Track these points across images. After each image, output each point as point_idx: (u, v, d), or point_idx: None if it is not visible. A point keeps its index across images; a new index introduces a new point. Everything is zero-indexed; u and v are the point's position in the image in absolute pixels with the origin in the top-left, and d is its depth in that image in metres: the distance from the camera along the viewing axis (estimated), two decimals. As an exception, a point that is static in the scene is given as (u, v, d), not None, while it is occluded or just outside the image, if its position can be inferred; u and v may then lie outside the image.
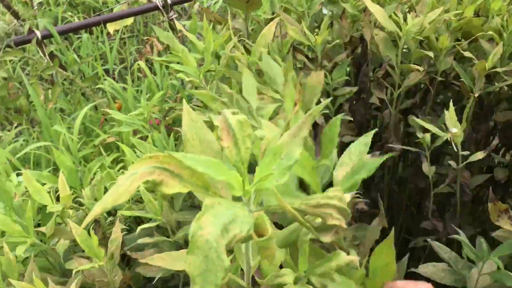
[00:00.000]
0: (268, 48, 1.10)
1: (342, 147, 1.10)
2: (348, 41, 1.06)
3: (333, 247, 0.54)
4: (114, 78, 2.03)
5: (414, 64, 0.90)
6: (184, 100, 0.50)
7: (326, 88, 1.01)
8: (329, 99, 0.73)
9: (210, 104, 0.80)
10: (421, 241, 1.09)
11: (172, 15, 1.71)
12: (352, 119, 1.01)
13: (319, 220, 0.45)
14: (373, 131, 0.58)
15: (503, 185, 1.05)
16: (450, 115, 0.81)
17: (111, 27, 2.01)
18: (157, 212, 0.77)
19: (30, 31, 1.47)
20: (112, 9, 2.12)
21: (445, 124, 0.99)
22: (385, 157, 0.53)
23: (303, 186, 0.55)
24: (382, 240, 0.57)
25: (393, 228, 0.55)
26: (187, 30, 1.44)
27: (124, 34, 2.32)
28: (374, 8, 0.91)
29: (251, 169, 0.42)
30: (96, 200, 0.93)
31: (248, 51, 1.04)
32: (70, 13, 2.36)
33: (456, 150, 0.82)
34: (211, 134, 0.48)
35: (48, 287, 0.74)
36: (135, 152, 1.08)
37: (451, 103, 0.83)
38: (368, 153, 1.03)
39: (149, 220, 0.85)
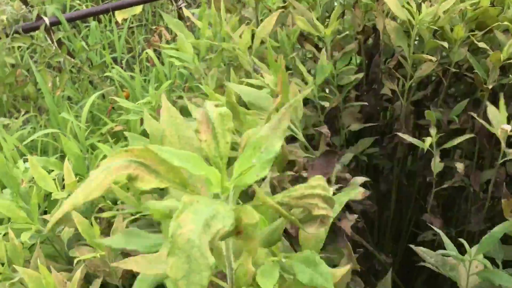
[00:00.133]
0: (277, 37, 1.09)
1: (349, 136, 1.09)
2: (361, 31, 1.04)
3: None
4: (122, 67, 2.02)
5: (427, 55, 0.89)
6: (163, 95, 0.48)
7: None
8: (309, 89, 0.71)
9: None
10: (430, 235, 1.08)
11: (181, 4, 1.70)
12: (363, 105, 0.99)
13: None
14: (353, 192, 0.55)
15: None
16: (500, 110, 0.79)
17: (119, 16, 2.00)
18: (135, 205, 0.76)
19: (38, 17, 1.46)
20: (120, -2, 2.10)
21: (457, 116, 0.98)
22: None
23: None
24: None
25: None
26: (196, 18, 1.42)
27: (132, 23, 2.31)
28: (387, -3, 0.89)
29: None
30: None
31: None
32: (78, 1, 2.35)
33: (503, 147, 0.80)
34: (191, 131, 0.46)
35: (52, 275, 0.74)
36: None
37: (502, 99, 0.79)
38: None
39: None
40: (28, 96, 1.61)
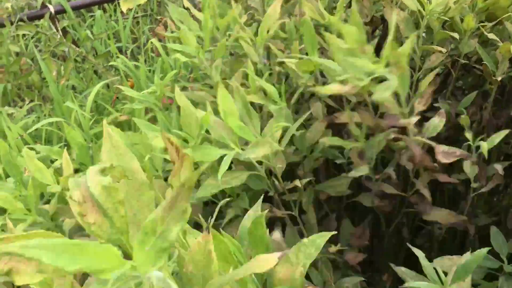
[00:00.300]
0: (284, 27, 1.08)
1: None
2: (369, 21, 1.03)
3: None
4: (126, 57, 2.02)
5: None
6: (104, 121, 0.43)
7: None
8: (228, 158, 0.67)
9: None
10: (436, 229, 1.07)
11: (187, -7, 1.68)
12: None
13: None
14: (329, 234, 0.54)
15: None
16: None
17: (124, 6, 1.99)
18: None
19: (43, 5, 1.45)
20: (126, -13, 2.09)
21: (466, 108, 0.96)
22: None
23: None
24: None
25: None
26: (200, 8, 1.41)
27: (137, 13, 2.30)
28: (396, -14, 0.88)
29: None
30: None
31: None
32: (83, -10, 2.34)
33: None
34: (136, 162, 0.41)
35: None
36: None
37: None
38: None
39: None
40: (33, 85, 1.60)
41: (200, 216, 0.52)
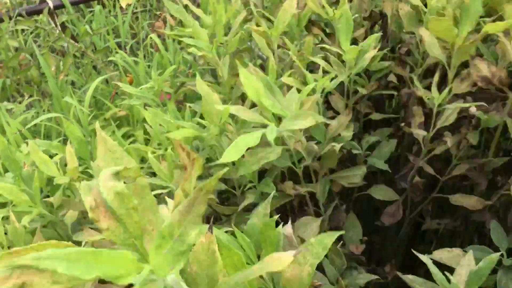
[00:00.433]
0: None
1: (365, 123, 1.07)
2: (368, 16, 1.03)
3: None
4: (126, 53, 2.01)
5: (436, 40, 0.87)
6: (97, 124, 0.42)
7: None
8: (224, 170, 0.65)
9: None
10: (434, 224, 1.07)
11: (186, -11, 1.68)
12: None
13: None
14: (337, 233, 0.54)
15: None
16: None
17: (124, 1, 1.98)
18: (167, 179, 0.76)
19: (42, 0, 1.45)
20: (125, -18, 2.08)
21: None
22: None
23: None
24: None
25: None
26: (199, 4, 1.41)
27: (136, 8, 2.29)
28: (396, -19, 0.88)
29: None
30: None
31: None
32: (82, -14, 2.33)
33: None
34: (135, 164, 0.41)
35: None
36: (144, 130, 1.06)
37: None
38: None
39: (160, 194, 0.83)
40: (32, 80, 1.60)
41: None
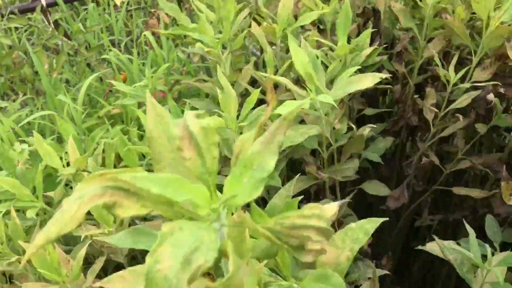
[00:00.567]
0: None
1: (358, 120, 1.07)
2: (361, 13, 1.03)
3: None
4: (120, 51, 2.00)
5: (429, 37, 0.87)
6: (147, 92, 0.44)
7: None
8: (308, 99, 0.69)
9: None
10: (428, 220, 1.08)
11: (180, -14, 1.67)
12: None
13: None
14: (380, 220, 0.54)
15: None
16: None
17: (118, -2, 1.97)
18: None
19: (35, -2, 1.44)
20: (119, -20, 2.07)
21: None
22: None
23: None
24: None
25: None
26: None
27: (131, 6, 2.28)
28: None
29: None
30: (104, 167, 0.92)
31: (258, 24, 1.01)
32: (76, -17, 2.32)
33: None
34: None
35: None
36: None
37: None
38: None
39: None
40: (25, 78, 1.59)
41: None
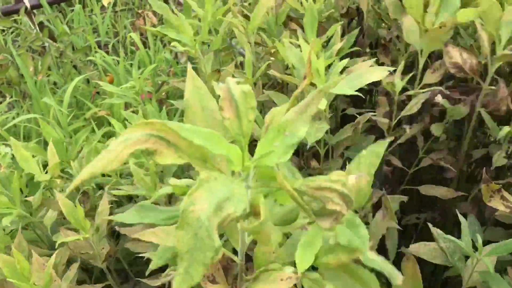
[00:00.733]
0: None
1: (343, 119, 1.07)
2: (345, 13, 1.03)
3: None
4: (107, 52, 1.99)
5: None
6: (189, 64, 0.48)
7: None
8: (345, 61, 0.71)
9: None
10: (414, 218, 1.08)
11: (167, -13, 1.67)
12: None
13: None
14: (387, 141, 0.55)
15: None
16: None
17: (105, -1, 1.96)
18: (150, 189, 0.75)
19: (18, 0, 1.43)
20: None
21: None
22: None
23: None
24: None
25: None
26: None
27: (118, 7, 2.27)
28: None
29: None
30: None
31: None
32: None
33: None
34: (215, 103, 0.45)
35: (33, 259, 0.73)
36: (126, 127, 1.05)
37: None
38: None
39: (138, 196, 0.83)
40: (11, 80, 1.58)
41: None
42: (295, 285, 0.47)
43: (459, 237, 0.80)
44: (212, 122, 0.45)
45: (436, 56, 1.00)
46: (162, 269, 0.91)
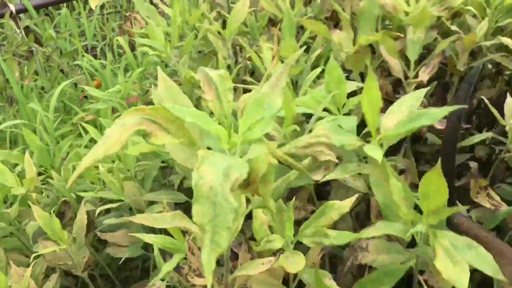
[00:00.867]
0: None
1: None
2: (330, 16, 1.02)
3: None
4: (96, 55, 1.98)
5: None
6: (159, 68, 0.50)
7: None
8: (302, 49, 0.71)
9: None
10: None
11: (154, -11, 1.66)
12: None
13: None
14: (425, 89, 0.60)
15: (484, 164, 1.03)
16: None
17: (93, 2, 1.95)
18: (118, 192, 0.74)
19: (4, 4, 1.42)
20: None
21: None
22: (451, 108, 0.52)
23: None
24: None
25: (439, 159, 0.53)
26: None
27: (106, 10, 2.26)
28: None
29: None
30: (66, 181, 0.91)
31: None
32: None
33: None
34: (188, 100, 0.48)
35: (12, 270, 0.72)
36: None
37: None
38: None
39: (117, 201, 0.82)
40: (-3, 86, 1.57)
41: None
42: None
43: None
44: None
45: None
46: (147, 272, 0.91)
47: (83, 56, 1.64)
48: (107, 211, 1.03)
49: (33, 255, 0.72)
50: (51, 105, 1.33)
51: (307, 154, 0.44)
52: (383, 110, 0.59)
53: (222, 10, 1.24)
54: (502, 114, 0.81)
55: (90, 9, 2.20)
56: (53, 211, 0.74)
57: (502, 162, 0.87)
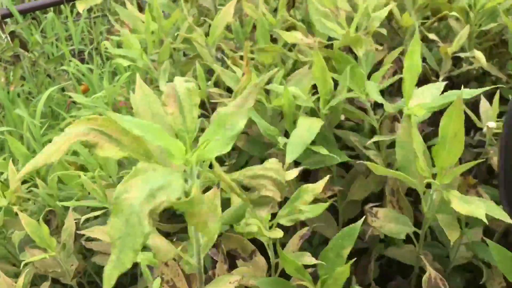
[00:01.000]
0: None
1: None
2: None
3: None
4: (84, 59, 1.97)
5: (376, 43, 0.87)
6: (137, 74, 0.49)
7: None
8: (277, 69, 0.72)
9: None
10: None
11: (141, -6, 1.65)
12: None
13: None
14: (444, 82, 0.66)
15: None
16: (493, 107, 0.78)
17: (80, 6, 1.94)
18: (102, 200, 0.74)
19: (-12, 10, 1.41)
20: (80, -13, 2.04)
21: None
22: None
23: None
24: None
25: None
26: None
27: (94, 13, 2.25)
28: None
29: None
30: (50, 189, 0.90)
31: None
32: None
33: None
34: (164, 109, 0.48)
35: (0, 279, 0.72)
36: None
37: (497, 96, 0.78)
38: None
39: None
40: (-17, 91, 1.56)
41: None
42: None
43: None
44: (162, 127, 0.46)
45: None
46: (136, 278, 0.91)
47: (70, 61, 1.63)
48: (95, 217, 1.03)
49: (23, 262, 0.72)
50: (38, 110, 1.32)
51: (252, 184, 0.43)
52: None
53: (210, 14, 1.24)
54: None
55: (78, 13, 2.19)
56: (41, 218, 0.74)
57: (483, 164, 0.88)
